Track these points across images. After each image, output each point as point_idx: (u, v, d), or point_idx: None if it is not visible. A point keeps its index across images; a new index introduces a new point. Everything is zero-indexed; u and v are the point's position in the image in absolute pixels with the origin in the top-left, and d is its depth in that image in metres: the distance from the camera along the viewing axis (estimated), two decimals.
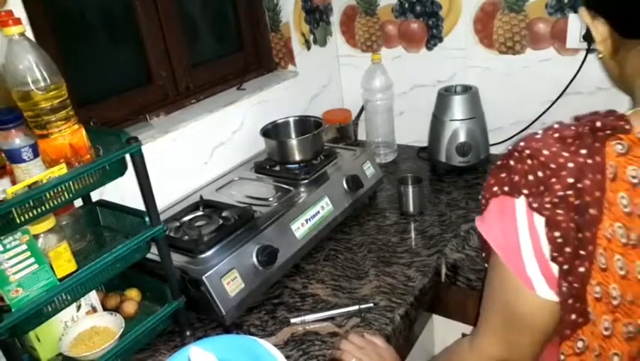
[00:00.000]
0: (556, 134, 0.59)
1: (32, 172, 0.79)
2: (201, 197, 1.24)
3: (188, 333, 1.02)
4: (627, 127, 0.56)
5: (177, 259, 1.01)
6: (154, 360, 0.97)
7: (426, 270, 1.13)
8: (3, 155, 0.81)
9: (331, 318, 1.02)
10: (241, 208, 1.17)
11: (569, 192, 0.55)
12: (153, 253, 0.95)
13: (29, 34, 0.93)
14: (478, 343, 0.72)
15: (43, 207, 0.76)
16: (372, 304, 1.03)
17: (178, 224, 1.15)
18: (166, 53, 1.38)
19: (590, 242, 0.55)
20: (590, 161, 0.55)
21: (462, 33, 1.55)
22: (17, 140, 0.79)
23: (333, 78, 1.83)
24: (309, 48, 1.70)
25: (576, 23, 1.37)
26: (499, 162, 0.63)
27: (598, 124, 0.57)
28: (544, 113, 1.47)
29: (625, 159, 0.55)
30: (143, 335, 0.94)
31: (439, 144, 1.50)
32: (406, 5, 1.60)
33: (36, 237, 0.83)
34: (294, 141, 1.34)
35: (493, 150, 1.56)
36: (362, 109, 1.73)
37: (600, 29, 0.64)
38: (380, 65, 1.61)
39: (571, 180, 0.56)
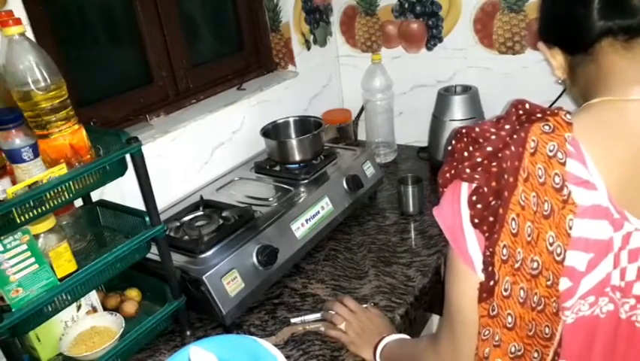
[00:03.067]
0: (495, 117, 0.65)
1: (32, 172, 0.79)
2: (201, 197, 1.24)
3: (188, 333, 1.02)
4: (548, 111, 0.62)
5: (177, 259, 1.01)
6: (154, 360, 0.97)
7: (426, 270, 1.13)
8: (3, 155, 0.81)
9: None
10: (241, 208, 1.17)
11: (487, 160, 0.61)
12: (153, 253, 0.95)
13: (29, 34, 0.93)
14: (438, 348, 0.74)
15: (43, 207, 0.76)
16: (372, 304, 1.03)
17: (178, 224, 1.15)
18: (166, 53, 1.38)
19: (502, 206, 0.60)
20: (514, 136, 0.61)
21: (462, 33, 1.55)
22: (17, 140, 0.79)
23: (333, 78, 1.83)
24: (309, 48, 1.70)
25: None
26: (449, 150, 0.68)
27: (534, 109, 0.63)
28: None
29: (547, 136, 0.60)
30: (143, 335, 0.94)
31: (439, 144, 1.50)
32: (406, 5, 1.61)
33: (36, 237, 0.83)
34: (294, 141, 1.34)
35: None
36: (362, 109, 1.73)
37: (558, 58, 0.70)
38: (380, 65, 1.61)
39: (490, 149, 0.61)
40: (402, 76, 1.67)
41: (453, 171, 0.65)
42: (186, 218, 1.17)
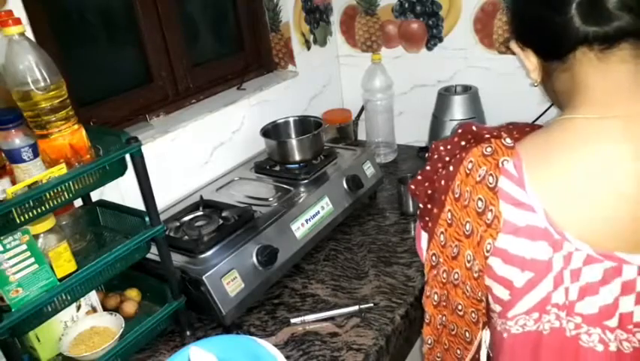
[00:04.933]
0: (458, 133, 0.69)
1: (32, 172, 0.79)
2: (201, 197, 1.24)
3: (188, 333, 1.02)
4: (495, 133, 0.65)
5: (177, 259, 1.01)
6: (154, 360, 0.97)
7: None
8: (3, 155, 0.81)
9: (331, 318, 1.02)
10: (241, 208, 1.17)
11: (423, 178, 0.70)
12: (153, 253, 0.95)
13: (29, 34, 0.93)
14: None
15: (43, 207, 0.76)
16: (372, 305, 1.03)
17: (178, 224, 1.15)
18: (166, 53, 1.38)
19: (432, 220, 0.67)
20: (456, 156, 0.66)
21: (462, 33, 1.55)
22: (17, 140, 0.79)
23: (333, 78, 1.83)
24: (309, 48, 1.70)
25: None
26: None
27: (481, 132, 0.66)
28: (543, 113, 1.47)
29: (483, 160, 0.63)
30: (143, 335, 0.94)
31: None
32: (406, 5, 1.60)
33: (36, 237, 0.83)
34: (294, 141, 1.34)
35: None
36: (362, 109, 1.73)
37: (532, 59, 0.68)
38: (380, 65, 1.61)
39: (428, 168, 0.70)
40: (402, 76, 1.67)
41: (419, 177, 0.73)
42: (186, 218, 1.17)
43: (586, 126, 0.61)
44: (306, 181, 1.28)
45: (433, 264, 0.71)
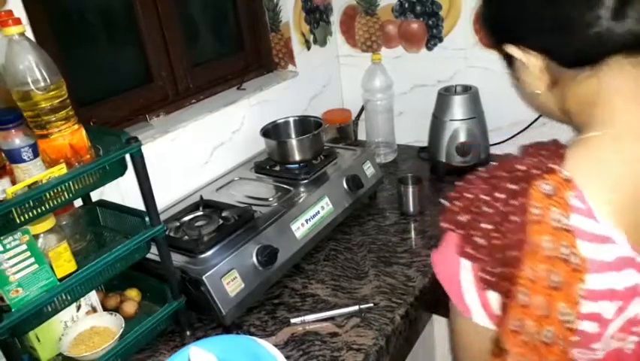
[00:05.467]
0: (486, 176, 0.60)
1: (32, 172, 0.79)
2: (201, 197, 1.24)
3: (188, 333, 1.02)
4: (541, 166, 0.57)
5: (177, 259, 1.01)
6: (154, 360, 0.97)
7: (426, 270, 1.12)
8: (3, 155, 0.81)
9: (331, 318, 1.02)
10: (241, 208, 1.17)
11: (492, 235, 0.57)
12: (153, 253, 0.95)
13: (29, 34, 0.93)
14: None
15: (43, 207, 0.76)
16: (372, 305, 1.03)
17: (178, 224, 1.15)
18: (166, 53, 1.38)
19: (509, 279, 0.57)
20: (512, 202, 0.56)
21: (462, 33, 1.55)
22: (17, 140, 0.79)
23: (333, 78, 1.83)
24: (309, 48, 1.70)
25: None
26: (448, 203, 0.63)
27: (523, 167, 0.58)
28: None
29: (550, 201, 0.55)
30: (143, 335, 0.94)
31: (439, 144, 1.50)
32: (406, 5, 1.60)
33: (36, 237, 0.83)
34: (294, 141, 1.34)
35: (494, 150, 1.56)
36: (362, 109, 1.73)
37: (537, 65, 0.61)
38: (380, 65, 1.61)
39: (489, 226, 0.57)
40: (402, 76, 1.67)
41: (452, 225, 0.62)
42: (186, 218, 1.17)
43: (627, 141, 0.57)
44: (306, 181, 1.28)
45: (517, 330, 0.60)
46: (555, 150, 0.60)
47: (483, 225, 0.58)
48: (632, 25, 0.52)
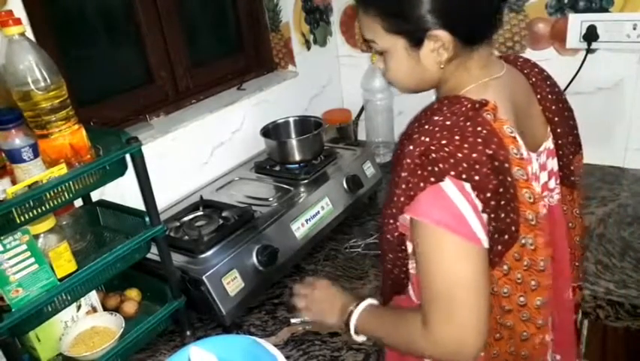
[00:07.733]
0: (440, 129, 0.70)
1: (32, 172, 0.79)
2: (201, 197, 1.24)
3: (188, 333, 1.02)
4: (483, 101, 0.72)
5: (177, 259, 1.01)
6: (154, 360, 0.97)
7: None
8: (3, 155, 0.81)
9: None
10: (241, 208, 1.17)
11: (484, 160, 0.67)
12: (153, 253, 0.95)
13: (29, 34, 0.93)
14: (431, 330, 0.72)
15: (43, 207, 0.76)
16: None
17: (178, 224, 1.15)
18: (166, 53, 1.38)
19: (511, 186, 0.70)
20: (484, 132, 0.69)
21: None
22: (17, 140, 0.79)
23: (333, 78, 1.83)
24: (309, 48, 1.70)
25: (576, 23, 1.37)
26: (411, 165, 0.70)
27: (468, 104, 0.71)
28: None
29: (498, 123, 0.71)
30: (143, 335, 0.94)
31: None
32: None
33: (36, 237, 0.83)
34: (294, 141, 1.34)
35: None
36: (362, 109, 1.73)
37: (444, 38, 0.73)
38: None
39: (479, 155, 0.68)
40: None
41: (432, 179, 0.68)
42: (186, 218, 1.17)
43: (498, 82, 0.77)
44: (306, 181, 1.28)
45: (528, 218, 0.74)
46: (440, 107, 0.73)
47: (480, 153, 0.68)
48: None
